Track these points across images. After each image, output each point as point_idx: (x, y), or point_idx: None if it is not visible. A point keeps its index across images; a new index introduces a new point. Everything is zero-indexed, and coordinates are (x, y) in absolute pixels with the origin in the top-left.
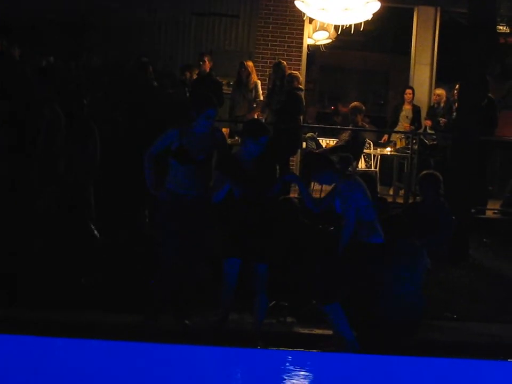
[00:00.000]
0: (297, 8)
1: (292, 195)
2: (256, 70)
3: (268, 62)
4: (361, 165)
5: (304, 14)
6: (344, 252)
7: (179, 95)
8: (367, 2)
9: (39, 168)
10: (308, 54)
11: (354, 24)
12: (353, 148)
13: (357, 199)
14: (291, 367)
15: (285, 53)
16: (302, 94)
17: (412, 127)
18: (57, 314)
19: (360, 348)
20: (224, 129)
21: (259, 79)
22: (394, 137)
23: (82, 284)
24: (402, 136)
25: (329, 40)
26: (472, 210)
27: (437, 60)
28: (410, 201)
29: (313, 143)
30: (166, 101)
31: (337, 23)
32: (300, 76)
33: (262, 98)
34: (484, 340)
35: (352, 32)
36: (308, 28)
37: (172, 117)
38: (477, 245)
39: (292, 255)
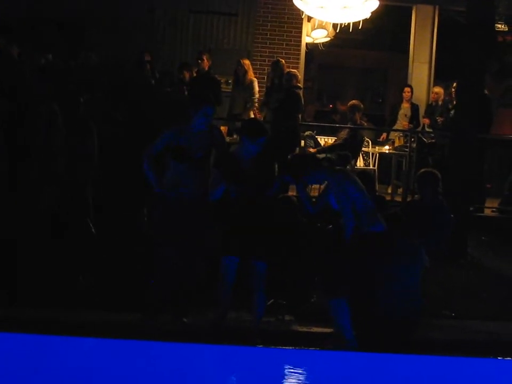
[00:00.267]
0: (296, 6)
1: (290, 193)
2: (254, 68)
3: (266, 60)
4: (360, 163)
5: (302, 12)
6: (349, 244)
7: (177, 94)
8: (366, 1)
9: (38, 167)
10: (306, 52)
11: (353, 23)
12: (351, 146)
13: (350, 192)
14: (289, 365)
15: (283, 51)
16: (301, 92)
17: (410, 125)
18: (57, 313)
19: (358, 346)
20: (222, 128)
21: (257, 77)
22: (393, 135)
23: (81, 283)
24: (401, 134)
25: (328, 38)
26: (471, 209)
27: (435, 58)
28: (408, 199)
29: (312, 141)
30: (164, 100)
31: (335, 21)
32: (298, 74)
33: (257, 96)
34: (482, 338)
35: (350, 30)
36: (306, 26)
37: (170, 116)
38: (475, 243)
39: (290, 253)
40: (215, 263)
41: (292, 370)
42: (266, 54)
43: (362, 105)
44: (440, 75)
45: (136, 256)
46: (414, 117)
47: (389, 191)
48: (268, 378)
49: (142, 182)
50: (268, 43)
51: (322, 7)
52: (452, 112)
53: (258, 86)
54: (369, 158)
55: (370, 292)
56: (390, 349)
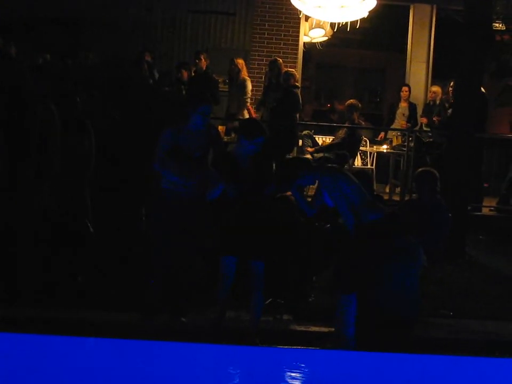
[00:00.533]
0: (293, 6)
1: (288, 193)
2: (252, 67)
3: (264, 60)
4: (358, 162)
5: (300, 11)
6: (354, 238)
7: (175, 93)
8: (363, 0)
9: (34, 166)
10: (304, 52)
11: (351, 22)
12: (349, 145)
13: (342, 187)
14: (288, 365)
15: (281, 51)
16: (298, 91)
17: (408, 124)
18: (55, 313)
19: (356, 345)
20: (220, 127)
21: (255, 76)
22: (391, 134)
23: (79, 282)
24: (399, 133)
25: (325, 38)
26: (469, 208)
27: (433, 58)
28: (406, 198)
29: (309, 141)
30: (161, 99)
31: (333, 21)
32: (296, 73)
33: (250, 95)
34: (480, 337)
35: (348, 29)
36: (304, 26)
37: (168, 115)
38: (473, 242)
39: (288, 252)
40: (214, 262)
41: (291, 369)
42: (264, 53)
43: (360, 105)
44: (438, 74)
45: (135, 255)
46: (411, 116)
47: (387, 190)
48: (267, 377)
49: (140, 181)
50: (265, 42)
51: (319, 7)
52: (449, 111)
53: (256, 86)
54: (367, 157)
55: (373, 289)
56: (388, 348)
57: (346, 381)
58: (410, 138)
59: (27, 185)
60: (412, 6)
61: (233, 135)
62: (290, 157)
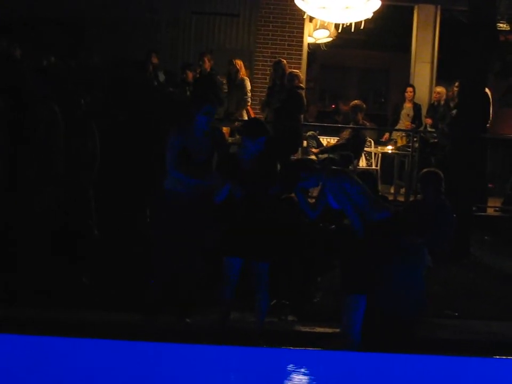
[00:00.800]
0: (298, 7)
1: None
2: (256, 68)
3: (268, 61)
4: (362, 163)
5: (304, 12)
6: (363, 238)
7: (180, 94)
8: (368, 1)
9: (37, 167)
10: (308, 53)
11: (355, 23)
12: (354, 146)
13: (347, 189)
14: (292, 366)
15: (285, 52)
16: (303, 92)
17: (412, 125)
18: (57, 314)
19: (361, 346)
20: (224, 129)
21: (259, 77)
22: (395, 135)
23: (83, 283)
24: (403, 134)
25: (330, 39)
26: (473, 208)
27: (438, 58)
28: (411, 199)
29: (314, 142)
30: (165, 100)
31: (337, 22)
32: (300, 74)
33: (250, 95)
34: (484, 338)
35: (352, 30)
36: (308, 26)
37: (173, 116)
38: (478, 243)
39: (293, 253)
40: (218, 263)
41: (295, 370)
42: (268, 54)
43: (364, 105)
44: (443, 75)
45: (137, 256)
46: (416, 116)
47: (392, 191)
48: (271, 378)
49: (144, 182)
50: (269, 43)
51: (324, 7)
52: (454, 112)
53: (261, 87)
54: (372, 158)
55: (379, 289)
56: (393, 348)
57: (351, 382)
58: (415, 139)
59: (30, 187)
60: (416, 7)
61: (237, 136)
62: (294, 158)
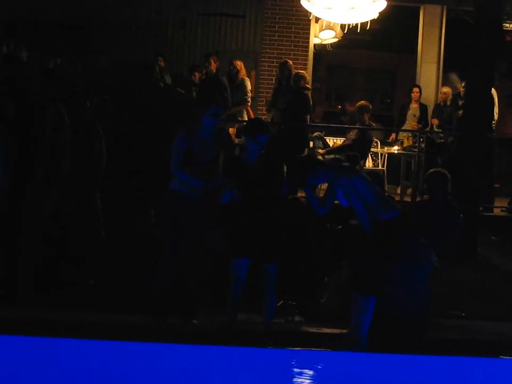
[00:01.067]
0: (303, 8)
1: (299, 194)
2: (262, 69)
3: (274, 62)
4: (369, 163)
5: (310, 13)
6: (372, 237)
7: (187, 96)
8: (373, 1)
9: (44, 169)
10: (314, 53)
11: (361, 23)
12: (360, 147)
13: (358, 187)
14: (299, 367)
15: (291, 53)
16: (309, 93)
17: (419, 125)
18: (64, 315)
19: (367, 347)
20: (231, 130)
21: (265, 78)
22: (402, 135)
23: (89, 284)
24: (410, 134)
25: (336, 39)
26: (480, 208)
27: (444, 58)
28: (417, 199)
29: (320, 142)
30: (172, 102)
31: (343, 22)
32: (306, 75)
33: (250, 95)
34: (492, 338)
35: (358, 31)
36: (314, 27)
37: (179, 118)
38: (485, 243)
39: (300, 254)
40: (225, 264)
41: (302, 371)
42: (274, 55)
43: (370, 106)
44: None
45: (144, 258)
46: (422, 117)
47: (398, 191)
48: (279, 379)
49: (150, 183)
50: (275, 44)
51: (330, 8)
52: (460, 112)
53: (267, 88)
54: (378, 159)
55: (387, 290)
56: (399, 349)
57: (358, 382)
58: (421, 139)
59: (37, 189)
60: (422, 7)
61: (243, 137)
62: (305, 154)
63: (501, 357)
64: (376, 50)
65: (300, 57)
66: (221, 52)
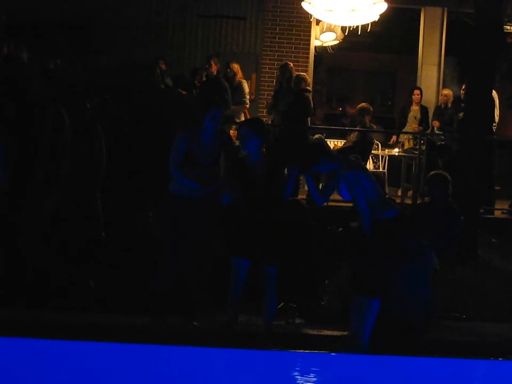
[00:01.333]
0: (304, 10)
1: (300, 196)
2: (263, 71)
3: (275, 64)
4: (369, 165)
5: (311, 15)
6: (371, 237)
7: (188, 97)
8: (374, 3)
9: (44, 170)
10: (315, 55)
11: (362, 25)
12: (361, 149)
13: (363, 183)
14: (300, 369)
15: (292, 55)
16: (310, 95)
17: (420, 127)
18: (64, 317)
19: (368, 349)
20: (232, 132)
21: (266, 80)
22: (402, 138)
23: (90, 286)
24: (410, 136)
25: (337, 42)
26: (481, 210)
27: (444, 60)
28: (418, 201)
29: None
30: (172, 102)
31: (344, 24)
32: (307, 77)
33: (248, 97)
34: (492, 340)
35: (359, 33)
36: (315, 29)
37: (179, 119)
38: (485, 245)
39: (300, 256)
40: (225, 264)
41: (303, 373)
42: (275, 57)
43: (371, 108)
44: (450, 77)
45: (144, 259)
46: (423, 119)
47: (399, 193)
48: (279, 381)
49: (149, 185)
50: (276, 46)
51: (330, 10)
52: (461, 114)
53: (268, 90)
54: (379, 161)
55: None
56: (400, 351)
57: None
58: (422, 142)
59: (37, 189)
60: (422, 9)
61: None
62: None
63: (501, 358)
64: (377, 53)
65: (300, 59)
66: (221, 54)
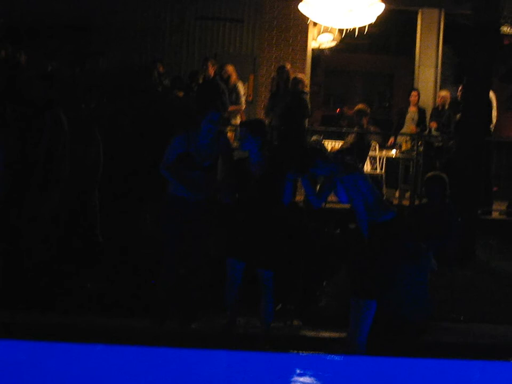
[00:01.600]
0: (301, 12)
1: (297, 198)
2: (260, 73)
3: (273, 66)
4: (367, 167)
5: (308, 17)
6: (369, 239)
7: (186, 99)
8: (371, 5)
9: (42, 173)
10: (312, 57)
11: (359, 27)
12: (358, 151)
13: (361, 186)
14: (298, 370)
15: (290, 56)
16: (307, 97)
17: (417, 129)
18: (61, 319)
19: (366, 350)
20: (230, 134)
21: (264, 82)
22: (400, 139)
23: (87, 288)
24: (408, 138)
25: (334, 43)
26: (478, 212)
27: (441, 62)
28: (416, 203)
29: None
30: (170, 105)
31: (341, 26)
32: (304, 79)
33: (244, 98)
34: (490, 341)
35: (356, 35)
36: (312, 31)
37: (177, 121)
38: (483, 246)
39: (298, 258)
40: (224, 267)
41: (301, 375)
42: (272, 59)
43: (369, 110)
44: (447, 78)
45: (142, 261)
46: (421, 120)
47: (397, 195)
48: (277, 383)
49: (148, 188)
50: (273, 48)
51: (327, 12)
52: (458, 115)
53: (265, 91)
54: (377, 162)
55: (386, 293)
56: (398, 352)
57: None
58: (419, 143)
59: (35, 192)
60: (419, 11)
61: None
62: (310, 144)
63: (499, 360)
64: (374, 54)
65: (298, 61)
66: (219, 56)
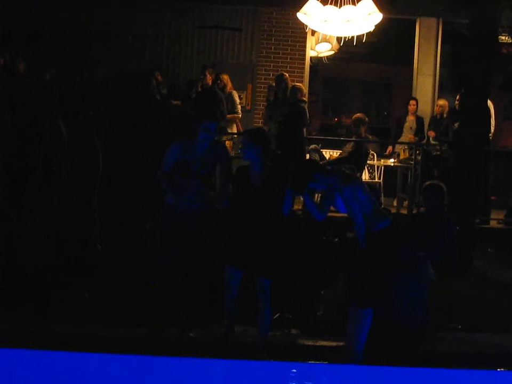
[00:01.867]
0: (300, 21)
1: (295, 207)
2: (258, 82)
3: (271, 75)
4: (365, 176)
5: (306, 26)
6: (365, 248)
7: (184, 108)
8: (369, 14)
9: (41, 180)
10: (310, 66)
11: (357, 36)
12: (356, 159)
13: (359, 196)
14: (296, 379)
15: (288, 65)
16: (305, 106)
17: (415, 138)
18: (59, 328)
19: (364, 359)
20: (227, 142)
21: (262, 91)
22: (398, 148)
23: (85, 297)
24: (406, 147)
25: (332, 52)
26: (476, 221)
27: (440, 71)
28: (414, 212)
29: (317, 155)
30: (168, 114)
31: (339, 35)
32: (303, 87)
33: (240, 107)
34: (488, 350)
35: (354, 43)
36: (310, 40)
37: (175, 129)
38: (481, 255)
39: (296, 267)
40: (223, 276)
41: None
42: (271, 68)
43: (367, 119)
44: (445, 87)
45: (140, 270)
46: (419, 129)
47: (395, 203)
48: None
49: (146, 196)
50: (272, 57)
51: (326, 21)
52: (456, 124)
53: (263, 100)
54: (375, 171)
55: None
56: (396, 362)
57: None
58: (417, 152)
59: (34, 200)
60: (418, 20)
61: (239, 150)
62: (307, 159)
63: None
64: (372, 63)
65: (296, 70)
66: (217, 65)
